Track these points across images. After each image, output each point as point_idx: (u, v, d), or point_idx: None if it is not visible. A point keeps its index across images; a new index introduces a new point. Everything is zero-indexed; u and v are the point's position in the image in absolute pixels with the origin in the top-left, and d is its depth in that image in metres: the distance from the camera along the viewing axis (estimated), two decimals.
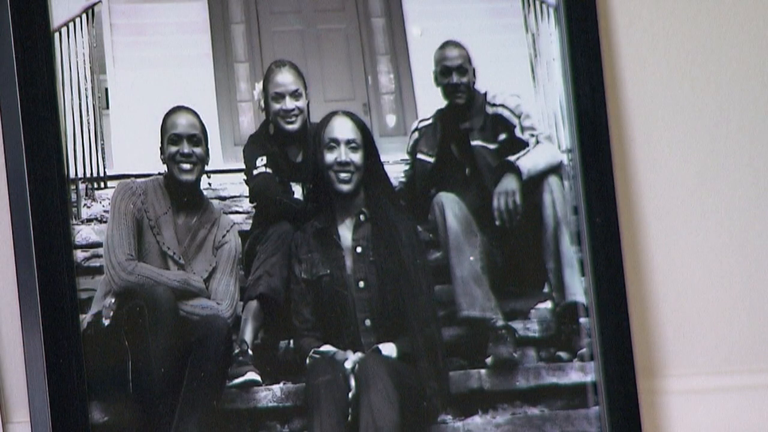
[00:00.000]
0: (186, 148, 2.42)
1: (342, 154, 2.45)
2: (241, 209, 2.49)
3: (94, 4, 2.43)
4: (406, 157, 2.55)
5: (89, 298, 2.36)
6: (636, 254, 2.56)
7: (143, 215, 2.41)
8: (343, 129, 2.46)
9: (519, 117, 2.53)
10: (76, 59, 2.41)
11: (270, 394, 2.41)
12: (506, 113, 2.54)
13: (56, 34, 2.37)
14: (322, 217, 2.47)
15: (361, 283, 2.45)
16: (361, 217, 2.47)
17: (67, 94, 2.37)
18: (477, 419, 2.44)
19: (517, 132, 2.53)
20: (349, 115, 2.47)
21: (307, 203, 2.49)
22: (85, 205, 2.41)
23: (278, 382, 2.42)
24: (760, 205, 2.59)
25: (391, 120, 2.55)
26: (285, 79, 2.49)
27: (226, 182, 2.49)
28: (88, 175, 2.41)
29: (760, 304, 2.59)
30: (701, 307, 2.59)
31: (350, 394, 2.36)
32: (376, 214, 2.47)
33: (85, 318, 2.34)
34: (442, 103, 2.54)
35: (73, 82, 2.39)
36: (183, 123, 2.42)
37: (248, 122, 2.50)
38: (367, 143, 2.46)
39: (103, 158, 2.43)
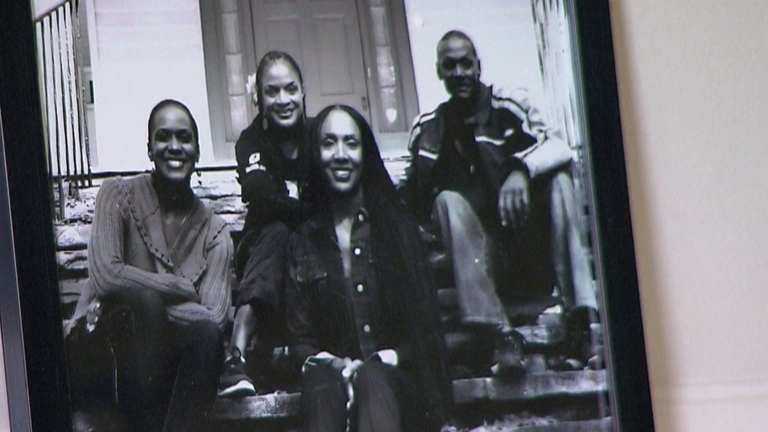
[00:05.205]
0: (175, 145, 2.40)
1: (339, 150, 2.43)
2: (233, 209, 2.49)
3: None
4: (408, 153, 2.54)
5: (73, 303, 2.35)
6: (650, 256, 2.55)
7: (130, 215, 2.40)
8: (340, 124, 2.44)
9: (526, 111, 2.53)
10: (59, 51, 2.40)
11: (264, 404, 2.39)
12: (513, 107, 2.53)
13: (38, 24, 2.35)
14: (319, 217, 2.46)
15: (360, 287, 2.43)
16: (360, 217, 2.46)
17: (49, 88, 2.36)
18: (482, 430, 2.42)
19: (525, 127, 2.52)
20: (347, 109, 2.45)
21: (303, 202, 2.47)
22: (68, 204, 2.41)
23: (272, 392, 2.40)
24: None
25: (391, 115, 2.55)
26: (279, 71, 2.48)
27: (218, 180, 2.49)
28: (71, 172, 2.41)
29: None
30: (719, 312, 2.57)
31: (348, 404, 2.35)
32: (375, 214, 2.45)
33: (69, 324, 2.33)
34: (446, 96, 2.53)
35: (55, 74, 2.38)
36: (172, 118, 2.41)
37: (241, 117, 2.50)
38: (366, 139, 2.45)
39: (88, 155, 2.42)
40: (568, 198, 2.48)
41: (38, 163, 2.29)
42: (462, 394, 2.42)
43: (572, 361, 2.46)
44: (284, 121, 2.48)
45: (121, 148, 2.42)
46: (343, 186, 2.43)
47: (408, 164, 2.54)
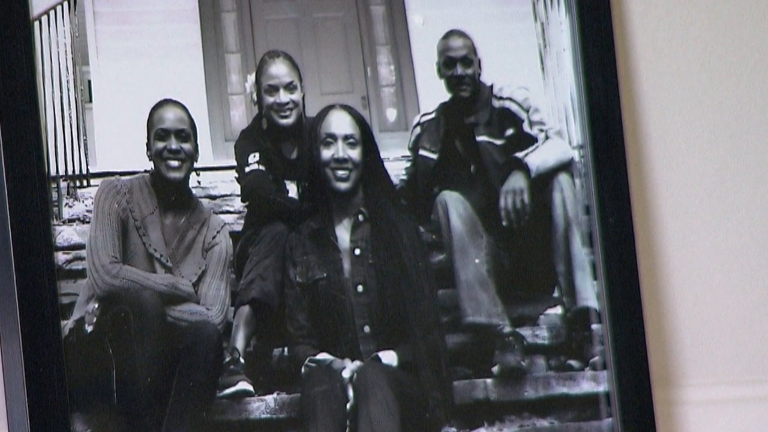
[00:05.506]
0: (174, 144, 2.40)
1: (339, 150, 2.42)
2: (232, 209, 2.48)
3: None
4: (408, 153, 2.54)
5: (71, 303, 2.34)
6: (651, 256, 2.54)
7: (128, 215, 2.39)
8: (340, 124, 2.43)
9: (527, 111, 2.52)
10: (58, 50, 2.39)
11: (263, 405, 2.38)
12: (514, 107, 2.52)
13: (36, 23, 2.35)
14: (319, 218, 2.45)
15: (360, 287, 2.42)
16: (360, 217, 2.45)
17: (47, 87, 2.35)
18: (483, 431, 2.42)
19: (526, 127, 2.52)
20: (347, 108, 2.45)
21: (303, 202, 2.46)
22: (66, 204, 2.40)
23: (272, 393, 2.40)
24: None
25: (391, 114, 2.54)
26: (279, 70, 2.47)
27: (217, 180, 2.48)
28: (70, 172, 2.40)
29: None
30: (721, 313, 2.56)
31: (348, 405, 2.34)
32: (375, 214, 2.45)
33: (67, 324, 2.32)
34: (446, 96, 2.53)
35: (54, 74, 2.38)
36: (170, 117, 2.40)
37: (240, 116, 2.49)
38: (365, 139, 2.44)
39: (86, 155, 2.41)
40: (569, 198, 2.47)
41: (36, 163, 2.28)
42: (462, 395, 2.41)
43: (573, 362, 2.45)
44: (284, 121, 2.47)
45: (120, 147, 2.41)
46: (343, 186, 2.42)
47: (408, 164, 2.53)
